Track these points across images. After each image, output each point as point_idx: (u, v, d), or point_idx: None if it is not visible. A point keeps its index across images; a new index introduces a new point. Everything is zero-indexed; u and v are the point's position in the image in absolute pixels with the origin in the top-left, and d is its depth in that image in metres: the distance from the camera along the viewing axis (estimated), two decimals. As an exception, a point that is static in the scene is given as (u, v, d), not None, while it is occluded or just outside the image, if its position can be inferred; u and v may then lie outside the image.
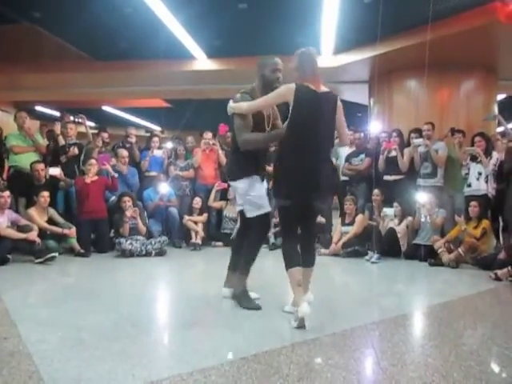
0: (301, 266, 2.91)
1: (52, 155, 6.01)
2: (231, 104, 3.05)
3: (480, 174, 5.28)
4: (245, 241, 3.29)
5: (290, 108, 2.80)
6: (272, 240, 6.07)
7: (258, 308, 3.08)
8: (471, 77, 7.11)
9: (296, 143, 2.80)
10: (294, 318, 2.73)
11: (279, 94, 2.90)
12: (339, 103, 2.91)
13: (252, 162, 3.12)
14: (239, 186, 3.13)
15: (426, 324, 3.05)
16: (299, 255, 2.95)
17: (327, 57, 7.21)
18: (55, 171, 5.54)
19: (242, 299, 3.16)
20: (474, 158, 5.38)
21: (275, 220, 6.13)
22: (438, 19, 5.65)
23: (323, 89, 2.88)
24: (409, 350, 2.36)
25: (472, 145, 5.49)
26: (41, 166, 5.48)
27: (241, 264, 3.28)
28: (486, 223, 4.94)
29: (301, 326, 2.67)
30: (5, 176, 6.01)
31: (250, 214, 3.14)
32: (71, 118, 6.68)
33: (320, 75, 2.93)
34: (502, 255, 4.49)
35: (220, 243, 6.03)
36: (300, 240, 3.03)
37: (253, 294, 3.30)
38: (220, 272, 3.93)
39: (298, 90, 2.81)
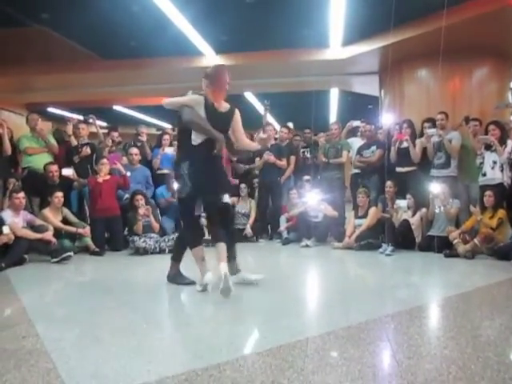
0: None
1: (65, 156, 6.07)
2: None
3: (495, 162, 5.18)
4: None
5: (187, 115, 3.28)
6: (285, 235, 6.07)
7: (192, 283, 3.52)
8: (483, 64, 6.98)
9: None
10: (199, 284, 3.35)
11: (190, 100, 3.37)
12: (236, 116, 3.48)
13: None
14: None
15: (442, 315, 3.01)
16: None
17: (336, 49, 7.14)
18: (68, 172, 5.60)
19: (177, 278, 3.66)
20: (488, 147, 5.28)
21: (287, 215, 6.14)
22: (448, 6, 5.55)
23: (224, 105, 3.45)
24: (425, 343, 2.34)
25: (486, 133, 5.39)
26: (54, 167, 5.55)
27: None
28: (501, 213, 4.86)
29: (204, 289, 3.27)
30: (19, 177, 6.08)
31: None
32: (81, 118, 6.72)
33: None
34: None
35: (233, 239, 6.04)
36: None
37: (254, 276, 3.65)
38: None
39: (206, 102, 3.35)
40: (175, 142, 6.83)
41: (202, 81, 3.49)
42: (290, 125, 7.49)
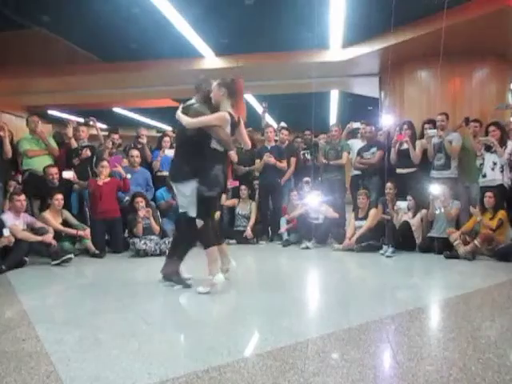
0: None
1: (65, 158, 6.07)
2: (180, 114, 3.57)
3: (495, 163, 5.18)
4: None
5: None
6: (285, 236, 6.07)
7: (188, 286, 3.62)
8: (484, 65, 6.98)
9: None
10: (205, 285, 3.42)
11: (220, 120, 3.51)
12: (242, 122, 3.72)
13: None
14: (189, 187, 3.55)
15: (443, 317, 3.01)
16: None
17: (336, 50, 7.15)
18: (69, 174, 5.60)
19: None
20: (488, 148, 5.28)
21: (287, 216, 6.14)
22: (448, 7, 5.56)
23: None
24: (425, 344, 2.34)
25: (486, 134, 5.39)
26: (54, 169, 5.55)
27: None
28: (502, 214, 4.86)
29: (208, 292, 3.37)
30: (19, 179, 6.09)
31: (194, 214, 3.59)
32: (81, 120, 6.74)
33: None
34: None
35: (233, 241, 6.02)
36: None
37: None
38: (233, 269, 3.94)
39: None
40: (175, 144, 6.85)
41: (214, 84, 3.59)
42: (283, 124, 7.50)
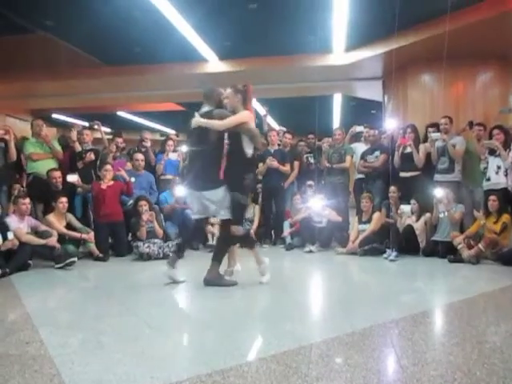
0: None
1: (69, 161, 6.09)
2: (204, 120, 3.63)
3: (499, 167, 5.16)
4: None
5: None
6: (288, 240, 6.06)
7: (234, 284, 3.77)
8: (487, 69, 6.98)
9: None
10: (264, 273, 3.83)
11: (249, 117, 3.70)
12: None
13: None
14: (219, 193, 3.66)
15: (447, 321, 3.00)
16: None
17: (339, 54, 7.16)
18: (73, 178, 5.62)
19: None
20: (492, 152, 5.26)
21: (290, 220, 6.14)
22: (450, 11, 5.56)
23: None
24: (429, 348, 2.32)
25: (490, 138, 5.38)
26: (57, 173, 5.56)
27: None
28: (506, 217, 4.84)
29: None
30: (24, 183, 6.11)
31: (225, 217, 3.75)
32: (86, 124, 6.77)
33: None
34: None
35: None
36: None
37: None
38: (236, 273, 3.94)
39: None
40: (178, 148, 6.87)
41: (228, 91, 3.76)
42: (283, 129, 7.52)
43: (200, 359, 2.21)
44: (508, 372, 2.00)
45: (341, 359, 2.20)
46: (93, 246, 5.30)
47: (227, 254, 3.95)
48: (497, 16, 5.52)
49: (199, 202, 3.78)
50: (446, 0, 4.89)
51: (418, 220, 5.38)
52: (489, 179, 5.25)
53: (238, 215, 3.75)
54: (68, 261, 4.72)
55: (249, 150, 3.71)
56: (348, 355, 2.22)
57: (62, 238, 5.08)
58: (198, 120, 3.67)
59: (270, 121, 8.66)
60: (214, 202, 3.69)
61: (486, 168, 5.33)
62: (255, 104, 9.92)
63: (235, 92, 3.72)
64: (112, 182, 5.67)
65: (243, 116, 3.65)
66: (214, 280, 3.74)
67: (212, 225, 5.98)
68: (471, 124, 5.93)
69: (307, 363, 2.12)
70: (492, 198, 4.90)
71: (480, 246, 4.70)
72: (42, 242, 4.79)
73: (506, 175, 5.13)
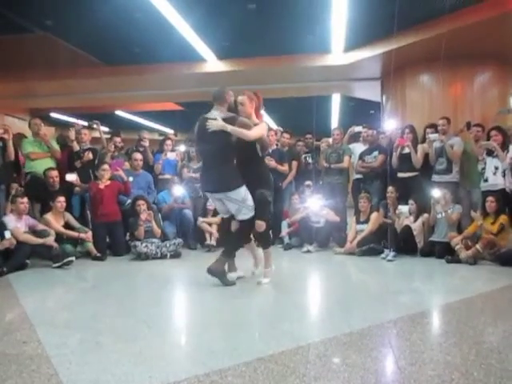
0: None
1: (67, 161, 6.08)
2: (230, 127, 3.65)
3: (497, 168, 5.17)
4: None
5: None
6: (286, 240, 6.06)
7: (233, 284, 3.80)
8: (485, 70, 7.00)
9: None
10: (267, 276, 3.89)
11: (265, 128, 3.92)
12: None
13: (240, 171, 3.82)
14: (242, 192, 3.73)
15: (445, 321, 3.00)
16: None
17: (338, 54, 7.17)
18: (72, 177, 5.62)
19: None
20: (490, 153, 5.28)
21: (288, 220, 6.14)
22: (449, 12, 5.57)
23: None
24: (427, 349, 2.33)
25: (488, 139, 5.38)
26: (54, 172, 5.55)
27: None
28: (503, 218, 4.84)
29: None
30: (22, 182, 6.10)
31: (246, 216, 3.80)
32: (85, 123, 6.76)
33: None
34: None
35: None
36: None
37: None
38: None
39: None
40: (177, 148, 6.87)
41: (244, 98, 3.83)
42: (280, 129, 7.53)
43: (198, 359, 2.21)
44: (505, 372, 2.01)
45: (339, 359, 2.21)
46: (91, 246, 5.30)
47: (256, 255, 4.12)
48: (495, 17, 5.53)
49: (221, 202, 3.89)
50: (444, 1, 4.90)
51: (415, 220, 5.39)
52: (486, 180, 5.26)
53: (265, 212, 3.85)
54: (66, 260, 4.71)
55: (260, 153, 3.89)
56: (346, 355, 2.23)
57: (59, 238, 5.08)
58: (222, 125, 3.66)
59: (268, 120, 8.67)
60: (238, 202, 3.74)
61: (483, 169, 5.34)
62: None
63: (250, 100, 3.83)
64: (110, 182, 5.66)
65: (264, 128, 3.85)
66: (217, 273, 3.75)
67: (210, 224, 5.98)
68: (469, 125, 5.94)
69: (305, 363, 2.12)
70: (490, 199, 4.91)
71: (478, 246, 4.71)
72: (39, 241, 4.78)
73: (504, 176, 5.14)
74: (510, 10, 5.40)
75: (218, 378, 1.97)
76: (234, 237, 3.98)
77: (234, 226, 3.96)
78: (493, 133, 5.33)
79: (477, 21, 5.64)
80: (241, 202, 3.74)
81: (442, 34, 5.73)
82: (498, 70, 7.02)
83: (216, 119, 3.71)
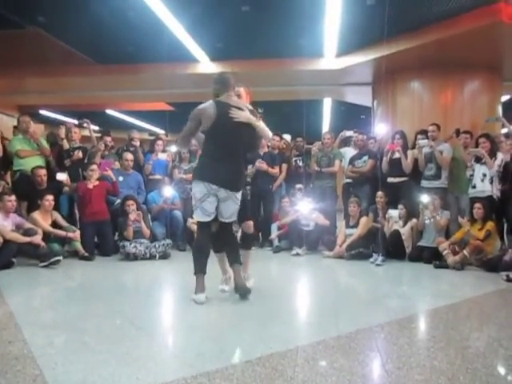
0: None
1: (56, 159, 6.03)
2: (261, 124, 3.45)
3: (485, 175, 5.24)
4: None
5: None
6: (276, 243, 6.06)
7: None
8: (475, 78, 7.08)
9: None
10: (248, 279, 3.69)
11: None
12: None
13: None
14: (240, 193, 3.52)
15: (432, 326, 3.03)
16: None
17: (330, 59, 7.20)
18: (62, 176, 5.57)
19: None
20: (478, 159, 5.35)
21: (278, 223, 6.15)
22: (441, 20, 5.64)
23: None
24: (414, 353, 2.35)
25: (476, 146, 5.45)
26: (42, 171, 5.49)
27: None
28: (490, 225, 4.90)
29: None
30: (9, 180, 6.03)
31: (234, 218, 3.57)
32: (75, 121, 6.71)
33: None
34: (507, 257, 4.47)
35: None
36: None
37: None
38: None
39: None
40: (167, 149, 6.84)
41: (243, 90, 3.68)
42: (287, 137, 7.53)
43: (186, 361, 2.20)
44: (491, 377, 2.04)
45: (326, 363, 2.21)
46: (78, 245, 5.25)
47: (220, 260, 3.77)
48: (486, 26, 5.60)
49: (215, 200, 3.37)
50: (436, 9, 4.95)
51: (404, 225, 5.43)
52: (474, 187, 5.33)
53: (250, 212, 3.73)
54: (53, 259, 4.67)
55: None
56: (334, 359, 2.23)
57: (47, 237, 5.03)
58: (250, 117, 3.34)
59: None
60: (238, 203, 3.46)
61: (471, 175, 5.41)
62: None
63: (246, 92, 3.68)
64: (98, 182, 5.62)
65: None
66: (247, 289, 3.44)
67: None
68: (458, 132, 6.01)
69: (293, 366, 2.12)
70: (477, 205, 4.96)
71: (465, 252, 4.76)
72: (26, 239, 4.73)
73: (492, 183, 5.22)
74: (500, 20, 5.47)
75: (206, 380, 1.97)
76: (231, 242, 3.65)
77: (214, 227, 3.61)
78: (481, 140, 5.40)
79: (468, 29, 5.71)
80: (238, 203, 3.50)
81: (433, 42, 5.80)
82: (487, 79, 7.11)
83: (242, 109, 3.33)
